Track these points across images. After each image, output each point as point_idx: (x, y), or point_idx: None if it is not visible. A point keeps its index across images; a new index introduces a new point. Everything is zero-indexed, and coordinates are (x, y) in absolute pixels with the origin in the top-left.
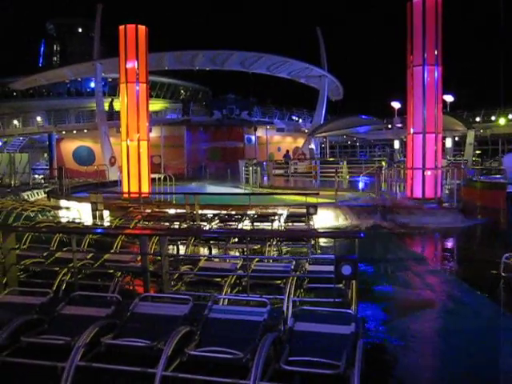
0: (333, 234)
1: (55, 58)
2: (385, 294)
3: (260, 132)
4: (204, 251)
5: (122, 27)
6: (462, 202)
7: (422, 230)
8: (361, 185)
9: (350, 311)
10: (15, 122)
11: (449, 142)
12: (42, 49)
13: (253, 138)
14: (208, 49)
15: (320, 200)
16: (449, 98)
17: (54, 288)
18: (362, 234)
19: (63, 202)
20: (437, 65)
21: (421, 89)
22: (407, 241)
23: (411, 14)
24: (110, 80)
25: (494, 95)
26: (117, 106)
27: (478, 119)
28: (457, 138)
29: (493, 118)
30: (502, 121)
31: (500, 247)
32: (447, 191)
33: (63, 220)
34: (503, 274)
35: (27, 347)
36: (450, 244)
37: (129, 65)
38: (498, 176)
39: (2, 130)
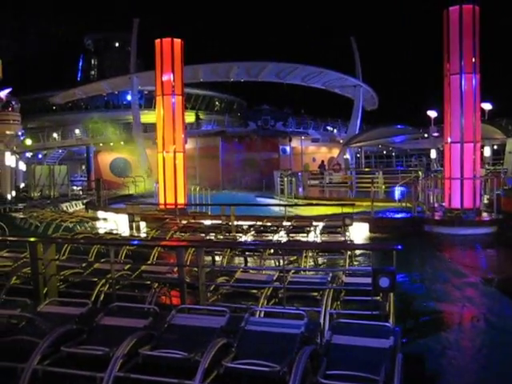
0: (370, 245)
1: (93, 72)
2: (423, 306)
3: (295, 142)
4: (240, 262)
5: (158, 41)
6: (502, 213)
7: (460, 240)
8: (397, 195)
9: (388, 324)
10: (54, 134)
11: (487, 151)
12: (81, 63)
13: (287, 148)
14: (243, 60)
15: (356, 210)
16: (487, 106)
17: (93, 298)
18: (399, 246)
19: (101, 213)
20: (474, 73)
21: (458, 98)
22: (445, 252)
23: (448, 21)
24: (146, 93)
25: None
26: (152, 118)
27: None
28: (496, 147)
29: None
30: None
31: None
32: (486, 201)
33: (101, 231)
34: None
35: (67, 357)
36: (489, 255)
37: (165, 77)
38: None
39: (42, 142)
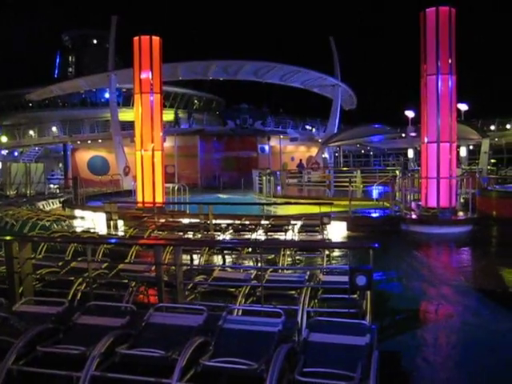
0: (347, 244)
1: (70, 69)
2: (400, 304)
3: (273, 141)
4: (218, 261)
5: (136, 38)
6: (476, 212)
7: (436, 239)
8: (375, 194)
9: (364, 322)
10: (31, 132)
11: (463, 151)
12: (58, 60)
13: (266, 147)
14: (221, 59)
15: (334, 209)
16: (463, 107)
17: (69, 297)
18: (376, 245)
19: (78, 212)
20: (451, 74)
21: (435, 98)
22: (422, 250)
23: (424, 22)
24: (124, 90)
25: (509, 103)
26: (130, 116)
27: (492, 127)
28: (471, 147)
29: (508, 126)
30: None
31: None
32: (462, 200)
33: (78, 230)
34: None
35: (43, 357)
36: (465, 253)
37: (143, 75)
38: None
39: (18, 140)
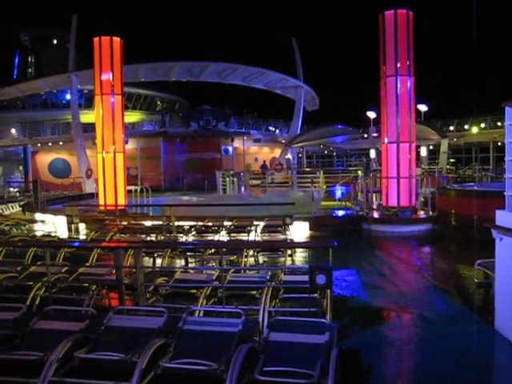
0: (307, 243)
1: (30, 70)
2: (360, 302)
3: (237, 143)
4: (181, 263)
5: (96, 39)
6: (436, 210)
7: (397, 238)
8: (337, 194)
9: (324, 320)
10: None
11: (423, 151)
12: (17, 60)
13: (230, 148)
14: (184, 60)
15: (296, 210)
16: (423, 108)
17: (28, 303)
18: (335, 243)
19: (38, 216)
20: (409, 75)
21: (394, 99)
22: (382, 249)
23: (383, 25)
24: (86, 92)
25: (467, 104)
26: (92, 117)
27: (451, 128)
28: (431, 147)
29: (466, 126)
30: (474, 129)
31: (473, 254)
32: (422, 199)
33: (38, 233)
34: (476, 280)
35: None
36: (425, 251)
37: (104, 77)
38: (471, 184)
39: None
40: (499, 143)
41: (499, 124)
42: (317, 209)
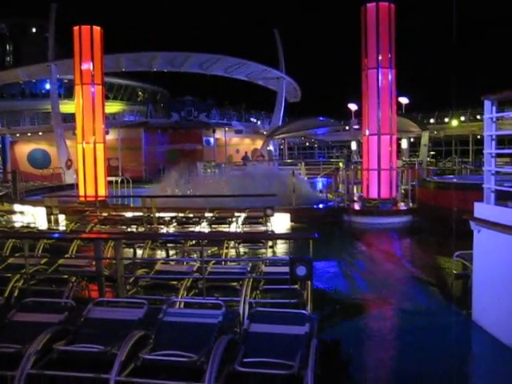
0: (287, 235)
1: (8, 59)
2: (341, 293)
3: (218, 134)
4: (161, 254)
5: (76, 28)
6: (416, 202)
7: (377, 229)
8: (319, 186)
9: (304, 312)
10: None
11: (404, 143)
12: None
13: (211, 140)
14: (166, 50)
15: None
16: (404, 100)
17: (6, 295)
18: (316, 235)
19: (17, 207)
20: (390, 68)
21: (375, 91)
22: (363, 241)
23: (365, 17)
24: (65, 81)
25: (447, 97)
26: (72, 108)
27: (432, 121)
28: (412, 140)
29: (446, 119)
30: (454, 122)
31: (452, 245)
32: (403, 191)
33: (17, 225)
34: (455, 271)
35: None
36: (404, 243)
37: (84, 66)
38: (451, 176)
39: None
40: (478, 136)
41: (478, 117)
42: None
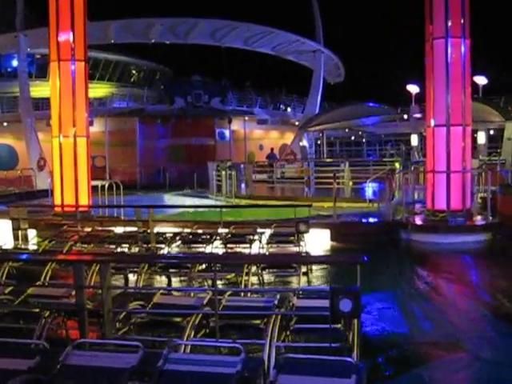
0: (327, 258)
1: None
2: (397, 336)
3: (236, 125)
4: (162, 282)
5: None
6: (498, 215)
7: (445, 251)
8: (368, 193)
9: (349, 359)
10: None
11: (482, 137)
12: None
13: (226, 132)
14: (167, 16)
15: (314, 213)
16: (481, 80)
17: None
18: (364, 258)
19: None
20: (463, 37)
21: (443, 68)
22: (426, 266)
23: None
24: (38, 57)
25: None
26: (46, 91)
27: None
28: (492, 132)
29: None
30: None
31: None
32: (479, 201)
33: None
34: None
35: None
36: (482, 270)
37: (62, 37)
38: None
39: None
40: None
41: None
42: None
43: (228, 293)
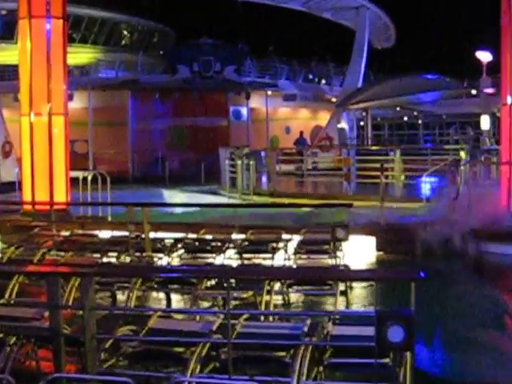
0: (374, 273)
1: None
2: (459, 374)
3: (256, 101)
4: (159, 302)
5: None
6: None
7: None
8: (424, 190)
9: None
10: None
11: None
12: None
13: (243, 110)
14: None
15: (355, 216)
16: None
17: None
18: (421, 274)
19: None
20: None
21: None
22: (501, 284)
23: None
24: (3, 13)
25: None
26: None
27: None
28: None
29: None
30: None
31: None
32: None
33: None
34: None
35: None
36: None
37: None
38: None
39: None
40: None
41: None
42: None
43: (244, 316)
